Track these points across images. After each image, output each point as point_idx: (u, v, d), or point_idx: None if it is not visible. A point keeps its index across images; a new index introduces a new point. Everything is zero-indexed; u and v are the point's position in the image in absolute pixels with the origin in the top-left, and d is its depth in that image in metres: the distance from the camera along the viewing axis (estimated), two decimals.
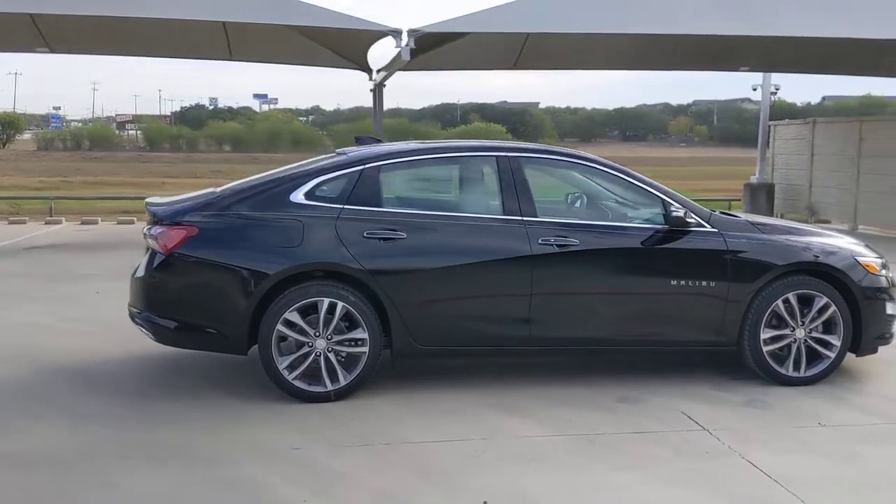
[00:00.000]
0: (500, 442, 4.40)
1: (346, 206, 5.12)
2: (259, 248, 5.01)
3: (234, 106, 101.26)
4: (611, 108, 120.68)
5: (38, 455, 4.22)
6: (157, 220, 5.12)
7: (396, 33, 10.86)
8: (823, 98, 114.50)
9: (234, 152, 70.53)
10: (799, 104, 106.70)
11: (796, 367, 5.38)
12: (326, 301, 4.97)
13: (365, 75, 14.49)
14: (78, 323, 7.19)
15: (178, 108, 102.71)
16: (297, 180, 5.20)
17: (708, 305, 5.30)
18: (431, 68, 14.51)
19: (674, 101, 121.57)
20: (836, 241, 5.60)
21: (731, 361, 5.57)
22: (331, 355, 4.99)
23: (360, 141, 6.02)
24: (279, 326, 4.94)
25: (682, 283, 5.27)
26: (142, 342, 6.26)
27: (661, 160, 56.26)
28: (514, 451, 4.28)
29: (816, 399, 5.16)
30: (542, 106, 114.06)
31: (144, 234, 5.19)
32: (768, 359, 5.34)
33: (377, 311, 5.03)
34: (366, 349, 5.02)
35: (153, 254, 5.07)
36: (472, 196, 5.49)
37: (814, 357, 5.40)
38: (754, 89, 18.35)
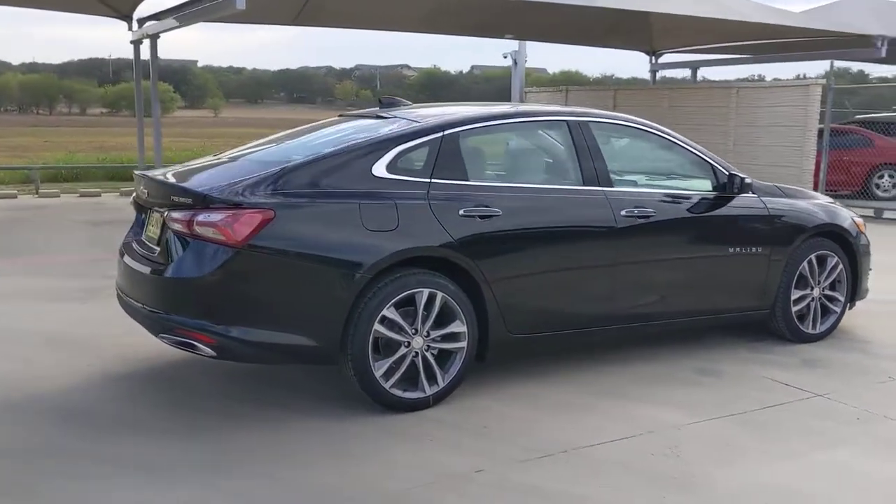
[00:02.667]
0: (668, 435, 4.05)
1: (433, 180, 4.36)
2: (351, 233, 4.08)
3: None
4: (273, 69, 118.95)
5: None
6: (206, 202, 3.95)
7: None
8: (472, 67, 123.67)
9: None
10: (453, 72, 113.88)
11: (814, 324, 5.67)
12: (426, 292, 4.22)
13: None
14: None
15: None
16: (373, 150, 4.32)
17: (756, 271, 5.36)
18: (212, 20, 12.97)
19: (336, 65, 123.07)
20: (835, 203, 5.94)
21: (729, 325, 5.67)
22: (428, 354, 4.28)
23: (385, 103, 5.15)
24: (376, 326, 4.11)
25: (738, 249, 5.28)
26: (98, 359, 4.99)
27: None
28: (702, 444, 3.95)
29: (851, 353, 5.46)
30: (200, 64, 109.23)
31: (186, 222, 3.97)
32: (795, 319, 5.57)
33: (470, 298, 4.39)
34: (464, 344, 4.36)
35: (211, 247, 3.91)
36: (553, 165, 4.97)
37: (824, 313, 5.73)
38: (505, 57, 19.00)
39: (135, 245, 4.62)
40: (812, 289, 5.62)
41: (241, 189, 3.99)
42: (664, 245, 5.03)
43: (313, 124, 5.32)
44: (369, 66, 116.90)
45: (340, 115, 5.49)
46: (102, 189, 15.06)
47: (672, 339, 5.50)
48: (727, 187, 5.22)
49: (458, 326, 4.33)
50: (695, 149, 5.30)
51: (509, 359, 4.94)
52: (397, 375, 4.19)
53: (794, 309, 5.55)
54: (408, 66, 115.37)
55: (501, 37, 16.98)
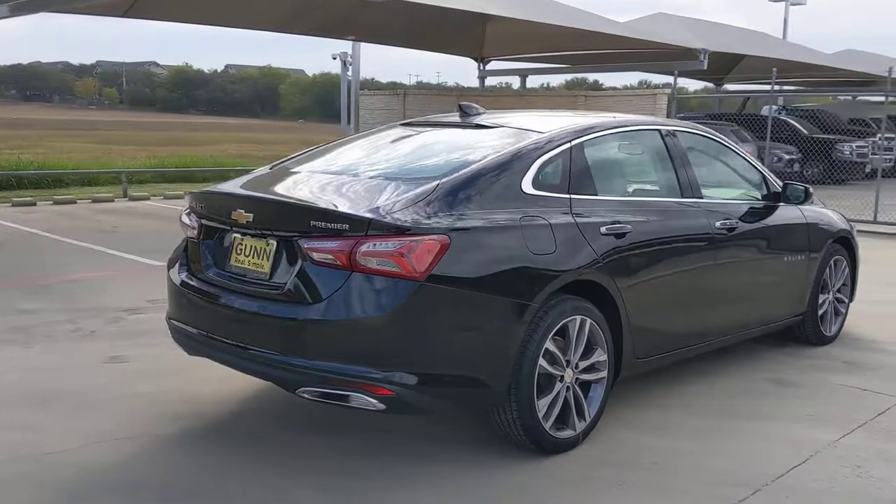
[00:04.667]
0: (835, 454, 3.91)
1: (573, 196, 3.94)
2: (519, 257, 3.58)
3: None
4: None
5: None
6: (372, 227, 3.25)
7: None
8: (227, 66, 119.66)
9: None
10: (207, 70, 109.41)
11: (829, 326, 5.86)
12: (578, 319, 3.80)
13: None
14: None
15: None
16: (518, 163, 3.80)
17: (802, 277, 5.44)
18: (62, 10, 11.32)
19: (74, 61, 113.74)
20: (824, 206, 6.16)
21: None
22: (577, 388, 3.86)
23: (465, 110, 4.59)
24: (541, 361, 3.63)
25: (791, 257, 5.32)
26: (129, 419, 4.11)
27: (81, 123, 51.94)
28: (872, 460, 3.87)
29: (875, 354, 5.67)
30: None
31: (346, 253, 3.24)
32: (819, 322, 5.71)
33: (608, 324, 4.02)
34: (604, 374, 4.00)
35: (381, 281, 3.23)
36: (656, 176, 4.66)
37: (836, 315, 5.93)
38: (334, 58, 18.39)
39: (213, 274, 3.76)
40: (829, 292, 5.80)
41: (403, 211, 3.34)
42: (746, 256, 4.95)
43: (374, 135, 4.71)
44: (112, 63, 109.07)
45: (405, 125, 4.84)
46: None
47: (710, 353, 5.40)
48: (781, 196, 5.25)
49: (601, 355, 3.95)
50: (748, 157, 5.28)
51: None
52: (555, 414, 3.74)
53: (819, 312, 5.70)
54: (156, 64, 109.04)
55: (345, 38, 16.41)
